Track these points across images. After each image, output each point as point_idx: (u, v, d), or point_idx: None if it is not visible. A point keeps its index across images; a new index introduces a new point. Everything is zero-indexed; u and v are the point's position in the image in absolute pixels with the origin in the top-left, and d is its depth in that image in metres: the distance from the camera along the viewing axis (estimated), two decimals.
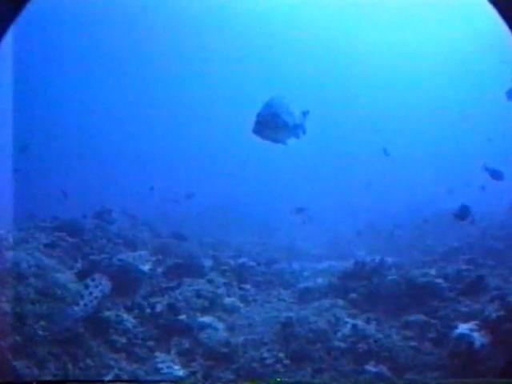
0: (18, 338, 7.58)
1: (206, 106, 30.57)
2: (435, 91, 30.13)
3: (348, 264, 11.84)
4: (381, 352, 8.50)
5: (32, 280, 8.69)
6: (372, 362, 8.30)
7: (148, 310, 9.84)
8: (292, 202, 19.11)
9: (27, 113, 18.03)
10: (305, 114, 8.60)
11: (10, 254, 9.31)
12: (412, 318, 9.41)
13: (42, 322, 8.01)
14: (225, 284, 11.27)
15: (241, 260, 12.75)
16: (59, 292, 8.69)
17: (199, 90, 32.14)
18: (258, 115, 7.65)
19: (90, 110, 28.22)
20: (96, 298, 8.89)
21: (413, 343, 8.80)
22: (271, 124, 7.66)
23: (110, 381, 6.66)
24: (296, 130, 8.22)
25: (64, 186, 17.83)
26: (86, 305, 8.56)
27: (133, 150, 26.76)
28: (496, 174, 13.49)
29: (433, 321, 9.29)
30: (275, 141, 8.10)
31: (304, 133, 8.44)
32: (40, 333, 7.83)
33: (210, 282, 11.16)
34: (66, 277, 9.34)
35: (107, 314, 9.16)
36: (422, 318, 9.38)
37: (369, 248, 14.59)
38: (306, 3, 31.13)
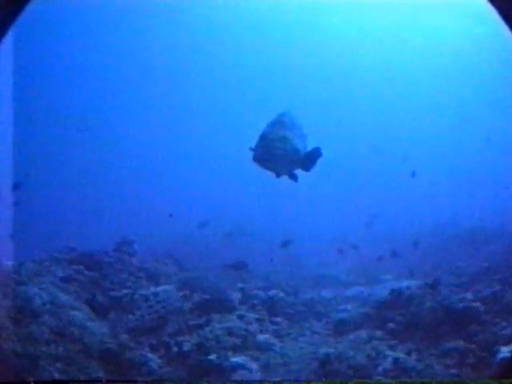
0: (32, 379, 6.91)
1: (213, 123, 30.27)
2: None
3: (377, 290, 11.80)
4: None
5: (46, 318, 8.09)
6: None
7: (175, 349, 9.27)
8: (313, 226, 19.25)
9: (28, 121, 17.66)
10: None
11: (21, 289, 8.68)
12: (451, 344, 8.96)
13: (59, 364, 7.33)
14: (256, 319, 10.60)
15: (271, 292, 12.10)
16: (76, 331, 8.04)
17: (202, 99, 31.75)
18: (263, 137, 6.66)
19: (96, 118, 27.78)
20: (156, 312, 8.88)
21: (453, 371, 8.37)
22: (278, 151, 6.67)
23: (109, 381, 6.20)
24: (308, 160, 7.13)
25: (80, 214, 17.44)
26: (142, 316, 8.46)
27: (148, 174, 26.40)
28: None
29: (472, 346, 8.85)
30: (279, 173, 7.18)
31: (313, 165, 7.26)
32: (56, 376, 7.16)
33: (241, 317, 10.52)
34: (84, 315, 8.68)
35: (130, 354, 8.51)
36: (461, 344, 8.93)
37: (395, 272, 14.08)
38: (310, 5, 30.68)
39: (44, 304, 8.39)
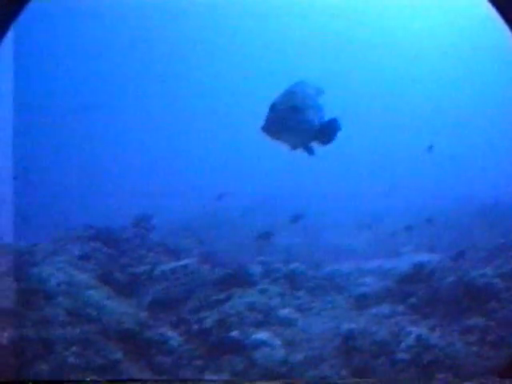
0: (44, 366, 6.76)
1: (229, 100, 30.02)
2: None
3: (397, 263, 11.65)
4: (445, 361, 7.92)
5: (61, 299, 7.90)
6: (438, 373, 7.73)
7: (195, 327, 9.06)
8: (334, 199, 18.96)
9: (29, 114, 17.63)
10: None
11: (35, 271, 8.50)
12: (471, 321, 8.80)
13: (74, 348, 7.16)
14: (278, 293, 10.37)
15: (292, 265, 11.77)
16: (94, 312, 7.86)
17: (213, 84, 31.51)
18: (273, 107, 6.25)
19: (105, 108, 28.04)
20: (176, 288, 9.05)
21: (474, 348, 8.21)
22: (290, 122, 6.26)
23: (109, 381, 6.02)
24: (324, 132, 6.69)
25: (97, 190, 17.28)
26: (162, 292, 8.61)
27: (164, 147, 26.28)
28: None
29: (491, 323, 8.70)
30: (293, 145, 6.76)
31: (330, 138, 6.82)
32: (71, 360, 6.99)
33: (263, 292, 10.27)
34: (102, 293, 8.48)
35: (149, 333, 8.34)
36: (482, 321, 8.77)
37: (413, 245, 13.96)
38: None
39: (59, 285, 8.20)
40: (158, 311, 9.27)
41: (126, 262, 10.56)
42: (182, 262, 10.54)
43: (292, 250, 14.23)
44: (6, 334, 6.74)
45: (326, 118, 6.64)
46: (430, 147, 16.03)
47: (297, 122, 6.26)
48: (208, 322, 9.09)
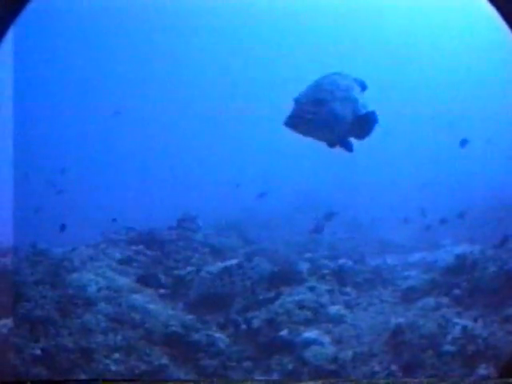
0: (83, 375, 6.53)
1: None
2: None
3: (441, 255, 11.62)
4: (487, 351, 7.73)
5: (103, 306, 7.69)
6: (482, 364, 7.55)
7: (244, 327, 8.85)
8: (373, 192, 19.02)
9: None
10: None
11: (74, 277, 8.29)
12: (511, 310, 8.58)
13: (117, 355, 6.94)
14: (327, 290, 10.11)
15: (340, 261, 11.57)
16: (137, 317, 7.61)
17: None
18: (296, 101, 5.96)
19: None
20: (224, 288, 8.94)
21: None
22: (313, 115, 5.92)
23: (108, 380, 6.06)
24: (359, 126, 6.41)
25: (138, 191, 17.18)
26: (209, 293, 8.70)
27: (204, 146, 26.25)
28: None
29: None
30: (328, 141, 6.44)
31: (366, 132, 6.58)
32: (113, 368, 6.76)
33: (312, 289, 10.00)
34: (145, 297, 8.25)
35: (196, 336, 8.11)
36: None
37: (454, 237, 13.75)
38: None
39: (99, 290, 7.99)
40: (204, 313, 9.03)
41: (170, 264, 10.30)
42: (228, 262, 10.25)
43: (338, 245, 14.06)
44: (40, 345, 6.53)
45: (364, 111, 6.35)
46: (463, 142, 15.63)
47: (322, 115, 5.97)
48: (256, 322, 8.87)
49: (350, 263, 11.47)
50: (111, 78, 30.58)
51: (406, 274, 11.43)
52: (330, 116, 6.04)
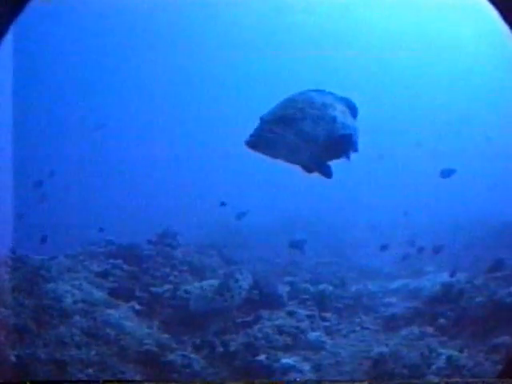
0: None
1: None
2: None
3: (424, 283, 11.56)
4: (473, 382, 7.20)
5: (78, 318, 7.42)
6: None
7: (220, 349, 8.59)
8: (357, 215, 18.84)
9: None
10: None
11: (50, 287, 8.03)
12: (499, 340, 8.43)
13: (90, 370, 6.69)
14: (307, 316, 9.95)
15: (320, 286, 11.38)
16: (112, 332, 7.37)
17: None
18: (261, 119, 5.60)
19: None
20: (200, 309, 8.75)
21: (499, 367, 7.74)
22: (274, 135, 5.53)
23: (106, 381, 6.00)
24: (331, 147, 5.98)
25: (119, 204, 16.92)
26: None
27: (186, 162, 26.17)
28: None
29: None
30: (306, 167, 6.06)
31: (341, 154, 6.18)
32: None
33: (291, 314, 9.88)
34: (121, 313, 8.01)
35: (171, 356, 7.88)
36: (508, 339, 8.40)
37: (436, 263, 13.75)
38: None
39: (75, 303, 7.75)
40: (180, 332, 8.79)
41: (147, 280, 10.03)
42: (207, 282, 10.04)
43: (319, 268, 14.02)
44: (15, 353, 6.27)
45: (340, 133, 6.07)
46: (446, 172, 15.48)
47: (286, 134, 5.58)
48: (234, 345, 8.66)
49: (330, 288, 11.31)
50: (111, 79, 30.98)
51: (388, 300, 11.34)
52: (297, 136, 5.65)
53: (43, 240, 11.23)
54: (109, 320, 7.65)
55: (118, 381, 6.32)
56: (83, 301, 7.85)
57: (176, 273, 10.66)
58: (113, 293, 8.99)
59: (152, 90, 31.06)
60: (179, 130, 29.33)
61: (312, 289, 11.23)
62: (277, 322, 9.31)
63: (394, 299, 11.33)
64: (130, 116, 29.66)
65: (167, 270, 10.68)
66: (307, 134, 5.70)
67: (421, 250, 14.14)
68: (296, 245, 13.70)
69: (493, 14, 4.45)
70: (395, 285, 12.57)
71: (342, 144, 6.07)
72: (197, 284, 9.86)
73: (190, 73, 32.27)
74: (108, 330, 7.46)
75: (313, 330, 9.58)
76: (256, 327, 9.11)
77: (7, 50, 5.64)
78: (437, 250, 14.01)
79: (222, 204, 13.84)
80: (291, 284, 11.53)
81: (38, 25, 21.05)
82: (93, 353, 6.99)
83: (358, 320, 10.32)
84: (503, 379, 5.02)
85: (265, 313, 9.70)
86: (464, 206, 18.83)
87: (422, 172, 22.27)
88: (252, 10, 31.12)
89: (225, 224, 16.07)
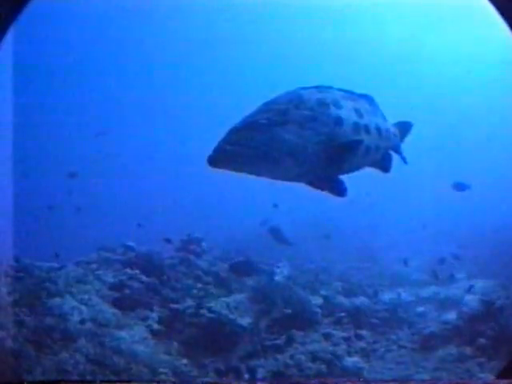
0: None
1: None
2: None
3: (453, 291, 11.17)
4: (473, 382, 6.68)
5: (83, 343, 6.45)
6: None
7: (246, 376, 7.72)
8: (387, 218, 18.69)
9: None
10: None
11: (55, 303, 7.07)
12: None
13: None
14: (343, 338, 9.08)
15: (356, 300, 10.63)
16: (122, 361, 6.39)
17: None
18: (231, 129, 4.64)
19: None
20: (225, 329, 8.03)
21: None
22: (228, 148, 4.51)
23: (104, 381, 5.42)
24: (336, 158, 4.93)
25: (139, 207, 16.15)
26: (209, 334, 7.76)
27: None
28: None
29: None
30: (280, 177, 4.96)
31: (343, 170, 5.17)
32: None
33: (327, 337, 8.99)
34: (134, 335, 7.04)
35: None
36: None
37: (468, 271, 13.09)
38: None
39: (82, 322, 6.79)
40: (202, 356, 7.82)
41: (167, 294, 9.02)
42: (233, 297, 9.09)
43: (349, 275, 13.35)
44: (7, 379, 5.33)
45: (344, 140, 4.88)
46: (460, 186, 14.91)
47: (257, 144, 4.52)
48: (261, 372, 7.79)
49: (365, 301, 10.60)
50: (111, 80, 30.69)
51: (421, 309, 10.69)
52: (273, 145, 4.57)
53: (55, 245, 10.28)
54: (119, 345, 6.68)
55: (117, 381, 5.68)
56: (92, 320, 6.88)
57: (200, 285, 9.66)
58: (127, 310, 8.01)
59: (154, 90, 30.92)
60: (198, 131, 29.22)
61: (346, 303, 10.38)
62: (310, 347, 8.41)
63: (426, 308, 10.76)
64: (145, 118, 29.72)
65: (190, 281, 9.69)
66: (288, 142, 4.62)
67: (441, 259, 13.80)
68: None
69: (493, 13, 4.31)
70: (426, 293, 11.91)
71: (342, 154, 4.92)
72: (222, 300, 8.85)
73: (192, 72, 32.28)
74: (117, 358, 6.49)
75: (349, 354, 8.70)
76: (287, 353, 8.20)
77: (7, 50, 5.39)
78: (463, 257, 13.78)
79: (275, 206, 13.12)
80: (325, 298, 10.58)
81: (38, 25, 20.63)
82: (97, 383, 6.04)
83: (394, 337, 9.54)
84: (503, 379, 4.65)
85: (297, 334, 8.79)
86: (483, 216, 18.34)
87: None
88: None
89: (251, 229, 15.22)
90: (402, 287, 12.44)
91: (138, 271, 9.18)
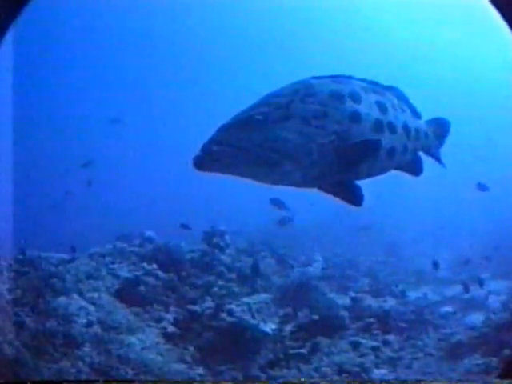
0: None
1: None
2: None
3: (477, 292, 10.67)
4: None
5: (88, 349, 5.82)
6: None
7: None
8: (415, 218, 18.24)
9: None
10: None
11: (60, 303, 6.42)
12: None
13: None
14: (372, 348, 8.38)
15: (384, 303, 10.02)
16: (131, 372, 5.76)
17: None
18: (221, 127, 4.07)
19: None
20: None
21: None
22: (215, 149, 3.93)
23: (106, 381, 5.06)
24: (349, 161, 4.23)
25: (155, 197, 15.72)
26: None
27: None
28: None
29: None
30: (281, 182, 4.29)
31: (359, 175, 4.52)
32: None
33: (355, 346, 8.29)
34: (146, 340, 6.40)
35: None
36: None
37: (492, 271, 12.59)
38: None
39: (89, 325, 6.15)
40: (219, 364, 7.19)
41: (186, 292, 8.32)
42: (256, 298, 8.45)
43: (375, 270, 12.96)
44: None
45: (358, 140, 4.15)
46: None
47: (248, 144, 3.89)
48: None
49: (393, 302, 10.14)
50: (113, 79, 30.69)
51: (445, 309, 10.23)
52: (267, 145, 3.91)
53: (69, 235, 9.50)
54: (128, 353, 6.04)
55: (118, 381, 5.37)
56: (99, 322, 6.22)
57: (221, 282, 8.97)
58: (139, 310, 7.35)
59: (156, 90, 30.82)
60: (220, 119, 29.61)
61: (375, 305, 9.71)
62: (337, 359, 7.76)
63: (451, 309, 10.32)
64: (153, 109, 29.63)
65: (211, 278, 9.00)
66: (288, 142, 3.94)
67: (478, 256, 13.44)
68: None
69: (493, 13, 4.18)
70: (451, 292, 11.71)
71: (354, 156, 4.18)
72: (245, 301, 8.18)
73: (195, 71, 31.94)
74: (125, 367, 5.86)
75: (377, 366, 8.06)
76: (312, 365, 7.58)
77: (7, 51, 5.51)
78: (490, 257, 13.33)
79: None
80: (353, 300, 9.84)
81: (38, 25, 20.39)
82: None
83: (420, 343, 8.87)
84: (503, 379, 4.73)
85: (324, 342, 8.13)
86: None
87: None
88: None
89: (278, 222, 14.61)
90: (427, 285, 12.12)
91: (155, 265, 8.48)
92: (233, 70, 31.88)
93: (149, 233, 9.99)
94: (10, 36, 4.41)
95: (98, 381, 5.34)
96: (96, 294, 6.89)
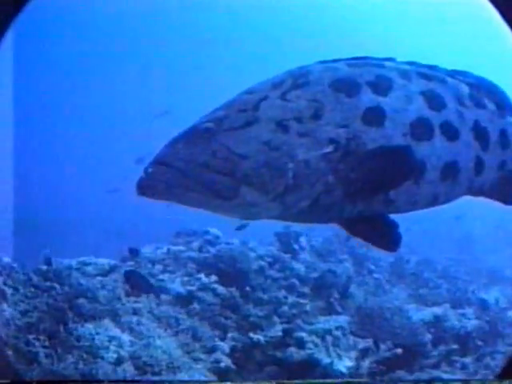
0: None
1: None
2: None
3: None
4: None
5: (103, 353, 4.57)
6: None
7: None
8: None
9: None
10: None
11: (85, 330, 5.08)
12: None
13: None
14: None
15: (466, 322, 8.25)
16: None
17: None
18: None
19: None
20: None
21: None
22: (156, 171, 2.89)
23: (109, 381, 4.68)
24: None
25: None
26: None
27: None
28: None
29: None
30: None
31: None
32: None
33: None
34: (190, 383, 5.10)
35: None
36: None
37: None
38: None
39: (119, 363, 4.83)
40: None
41: (248, 312, 6.80)
42: (333, 322, 7.09)
43: (451, 271, 11.67)
44: None
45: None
46: None
47: (187, 163, 2.80)
48: None
49: (472, 317, 8.51)
50: (113, 79, 30.40)
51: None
52: (217, 164, 2.85)
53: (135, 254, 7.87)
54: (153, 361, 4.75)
55: (122, 381, 4.92)
56: (132, 359, 4.88)
57: (292, 299, 7.52)
58: (188, 338, 5.86)
59: (154, 89, 30.35)
60: None
61: (456, 324, 8.05)
62: None
63: None
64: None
65: (281, 293, 7.55)
66: (241, 158, 2.78)
67: None
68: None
69: (493, 13, 4.11)
70: None
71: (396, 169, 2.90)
72: (319, 327, 6.78)
73: (195, 71, 31.43)
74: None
75: None
76: None
77: (7, 51, 5.61)
78: None
79: None
80: (435, 317, 8.12)
81: (38, 25, 20.85)
82: None
83: (493, 363, 7.25)
84: (503, 379, 4.50)
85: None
86: None
87: None
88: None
89: None
90: (496, 286, 11.13)
91: (215, 277, 7.07)
92: (233, 69, 30.90)
93: (213, 231, 8.62)
94: (9, 36, 4.42)
95: (102, 381, 4.86)
96: (135, 318, 5.51)
